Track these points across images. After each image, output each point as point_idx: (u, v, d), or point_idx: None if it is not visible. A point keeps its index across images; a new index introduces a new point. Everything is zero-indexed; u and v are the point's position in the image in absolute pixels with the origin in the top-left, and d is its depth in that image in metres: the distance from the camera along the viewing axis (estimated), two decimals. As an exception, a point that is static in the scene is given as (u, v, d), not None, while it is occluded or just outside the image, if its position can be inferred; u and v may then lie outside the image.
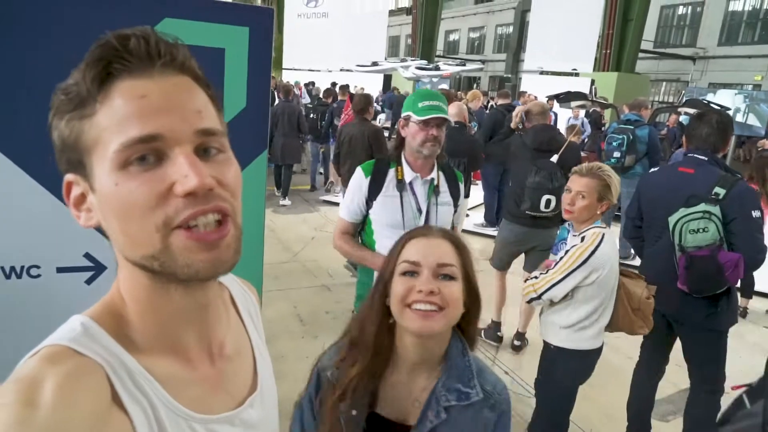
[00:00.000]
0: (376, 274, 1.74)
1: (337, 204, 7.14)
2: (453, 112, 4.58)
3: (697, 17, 21.52)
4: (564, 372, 2.29)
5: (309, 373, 1.20)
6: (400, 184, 2.10)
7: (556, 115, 10.92)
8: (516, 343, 4.03)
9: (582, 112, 11.01)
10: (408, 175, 2.11)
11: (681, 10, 22.16)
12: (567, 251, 2.19)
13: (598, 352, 2.26)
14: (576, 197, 2.19)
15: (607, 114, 11.44)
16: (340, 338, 1.21)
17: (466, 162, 4.25)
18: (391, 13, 26.85)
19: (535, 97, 11.12)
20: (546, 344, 2.36)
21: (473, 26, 31.93)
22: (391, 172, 2.12)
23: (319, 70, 21.31)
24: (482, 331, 4.09)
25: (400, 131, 2.11)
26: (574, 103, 10.87)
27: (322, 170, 8.92)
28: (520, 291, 2.48)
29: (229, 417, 0.66)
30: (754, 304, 5.03)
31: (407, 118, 2.07)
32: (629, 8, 15.58)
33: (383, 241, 2.10)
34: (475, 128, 6.35)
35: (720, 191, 2.33)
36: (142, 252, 0.55)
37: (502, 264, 4.02)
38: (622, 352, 2.86)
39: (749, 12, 20.08)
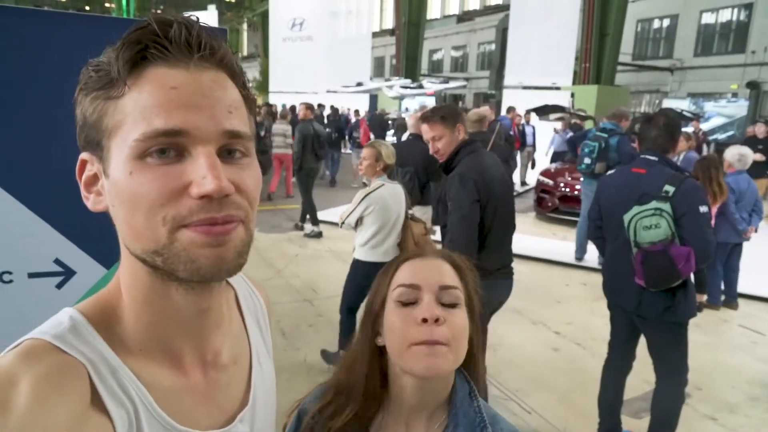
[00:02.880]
0: None
1: (328, 222, 7.24)
2: (410, 123, 4.92)
3: (672, 30, 22.06)
4: (361, 275, 3.39)
5: (291, 409, 1.02)
6: None
7: (533, 128, 11.14)
8: None
9: (559, 125, 11.24)
10: None
11: (656, 23, 22.71)
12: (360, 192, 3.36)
13: None
14: (363, 161, 3.38)
15: (588, 125, 11.68)
16: (327, 381, 1.01)
17: (413, 171, 4.64)
18: (375, 34, 27.30)
19: (522, 112, 11.34)
20: (353, 259, 3.47)
21: (456, 45, 32.48)
22: None
23: (305, 92, 21.58)
24: None
25: None
26: (552, 116, 11.15)
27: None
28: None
29: None
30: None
31: None
32: (605, 23, 15.97)
33: None
34: None
35: (669, 189, 2.46)
36: (144, 246, 0.52)
37: None
38: (601, 357, 2.97)
39: (722, 24, 20.63)
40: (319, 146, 7.19)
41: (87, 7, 35.76)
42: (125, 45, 0.51)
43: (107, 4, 34.76)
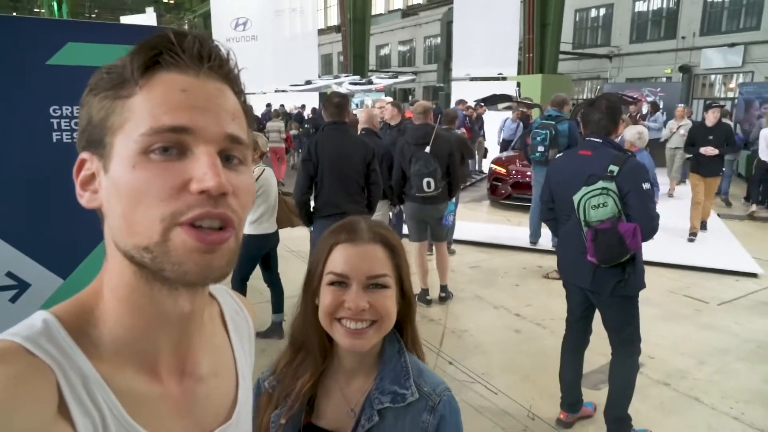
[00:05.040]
0: None
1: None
2: (363, 119, 4.94)
3: (608, 18, 22.89)
4: (254, 247, 3.92)
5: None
6: None
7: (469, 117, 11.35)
8: (442, 295, 4.91)
9: (510, 114, 11.49)
10: None
11: (593, 12, 23.50)
12: None
13: (273, 235, 4.04)
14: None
15: (535, 113, 12.00)
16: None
17: None
18: (321, 32, 27.09)
19: (472, 104, 11.53)
20: (244, 235, 3.67)
21: (402, 39, 32.65)
22: None
23: (253, 93, 21.22)
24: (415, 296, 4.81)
25: None
26: (501, 105, 11.41)
27: None
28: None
29: None
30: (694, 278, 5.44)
31: None
32: (545, 14, 16.37)
33: None
34: None
35: (614, 168, 2.58)
36: (136, 241, 0.53)
37: (417, 236, 4.81)
38: (561, 336, 3.09)
39: (653, 11, 21.57)
40: None
41: (14, 13, 33.92)
42: (141, 49, 0.54)
43: (36, 10, 33.07)
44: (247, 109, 0.62)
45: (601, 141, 2.72)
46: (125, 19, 27.88)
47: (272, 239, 4.06)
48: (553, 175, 2.92)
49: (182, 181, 0.52)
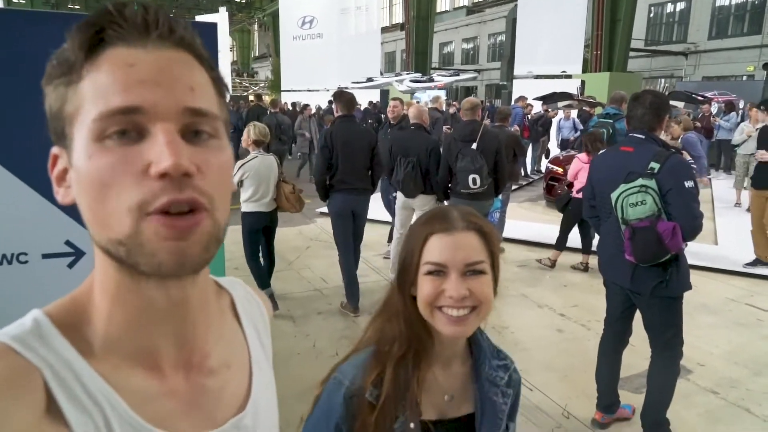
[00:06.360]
0: None
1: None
2: (412, 113, 4.95)
3: (685, 13, 21.75)
4: (249, 222, 4.41)
5: (325, 377, 1.08)
6: None
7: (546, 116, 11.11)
8: None
9: (573, 113, 11.20)
10: None
11: (669, 7, 22.41)
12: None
13: (267, 214, 4.44)
14: (245, 142, 4.37)
15: (598, 112, 11.62)
16: (352, 357, 1.08)
17: (416, 161, 4.69)
18: (385, 29, 27.31)
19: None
20: (241, 212, 4.30)
21: (466, 37, 32.38)
22: None
23: (317, 90, 21.74)
24: None
25: None
26: (561, 103, 11.12)
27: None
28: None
29: None
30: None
31: None
32: (616, 9, 15.82)
33: None
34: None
35: (655, 166, 2.52)
36: (109, 235, 0.49)
37: None
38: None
39: (737, 5, 20.27)
40: (281, 132, 9.60)
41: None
42: (81, 28, 0.50)
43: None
44: (216, 77, 0.56)
45: (643, 137, 2.66)
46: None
47: (266, 217, 4.47)
48: (595, 172, 2.88)
49: (141, 165, 0.48)
